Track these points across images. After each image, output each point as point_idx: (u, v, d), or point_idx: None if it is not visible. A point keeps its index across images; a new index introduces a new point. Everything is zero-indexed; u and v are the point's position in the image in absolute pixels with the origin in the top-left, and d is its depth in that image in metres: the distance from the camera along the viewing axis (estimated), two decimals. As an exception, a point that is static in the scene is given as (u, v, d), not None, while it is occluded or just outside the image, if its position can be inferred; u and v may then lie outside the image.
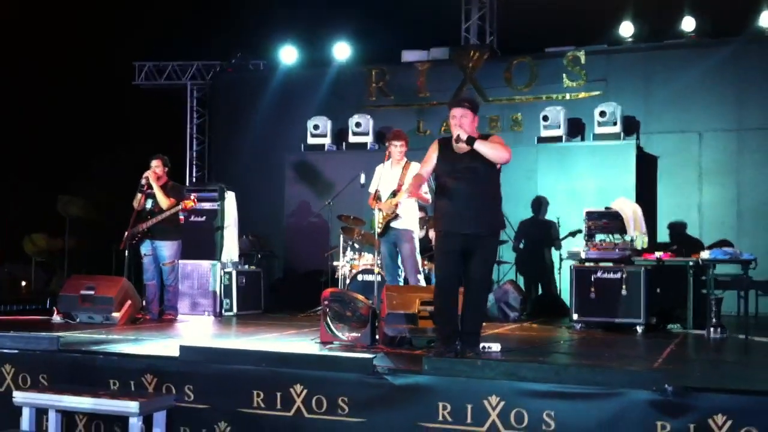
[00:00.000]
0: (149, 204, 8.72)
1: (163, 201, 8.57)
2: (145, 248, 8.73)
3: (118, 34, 15.56)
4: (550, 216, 10.68)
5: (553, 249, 10.65)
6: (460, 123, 5.68)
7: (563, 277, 9.92)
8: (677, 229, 10.74)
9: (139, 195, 8.66)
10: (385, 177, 7.76)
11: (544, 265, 10.70)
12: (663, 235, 10.69)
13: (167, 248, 8.73)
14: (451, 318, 5.73)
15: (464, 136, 5.60)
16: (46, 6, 15.28)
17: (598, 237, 8.57)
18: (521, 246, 10.76)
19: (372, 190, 7.84)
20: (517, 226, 10.66)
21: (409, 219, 7.68)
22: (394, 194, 7.68)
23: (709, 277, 8.01)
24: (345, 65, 13.09)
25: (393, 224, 7.66)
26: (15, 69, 15.20)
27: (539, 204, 10.73)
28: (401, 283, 7.71)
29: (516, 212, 10.41)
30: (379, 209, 7.63)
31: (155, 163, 8.77)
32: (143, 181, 8.64)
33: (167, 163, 8.91)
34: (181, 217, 8.80)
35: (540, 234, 10.67)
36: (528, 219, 10.76)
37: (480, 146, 5.60)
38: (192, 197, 8.75)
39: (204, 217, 9.73)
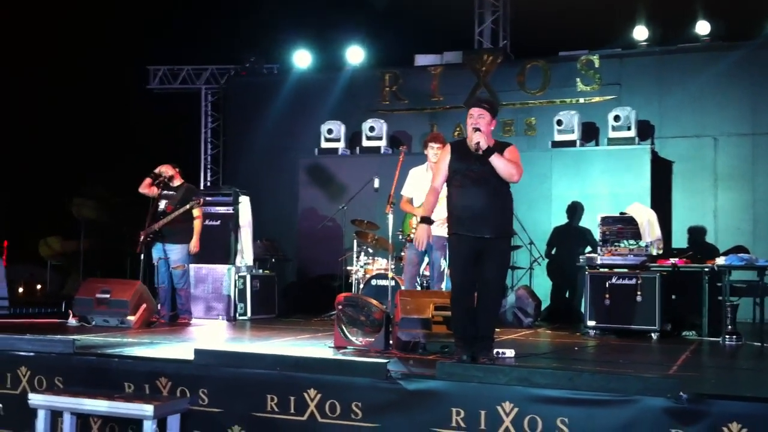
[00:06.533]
0: (162, 205, 8.74)
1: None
2: (157, 252, 8.72)
3: (132, 38, 15.68)
4: (581, 222, 10.48)
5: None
6: (477, 122, 5.63)
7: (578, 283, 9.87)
8: (696, 234, 10.63)
9: (149, 180, 8.65)
10: (422, 181, 7.41)
11: (575, 272, 10.22)
12: (677, 241, 10.63)
13: (176, 251, 8.71)
14: (469, 323, 5.67)
15: (483, 145, 5.54)
16: (60, 10, 15.42)
17: (614, 242, 8.52)
18: (553, 252, 10.59)
19: (406, 193, 7.59)
20: (551, 231, 10.58)
21: (443, 225, 7.12)
22: None
23: (725, 283, 7.94)
24: (358, 69, 13.10)
25: None
26: (29, 74, 15.35)
27: (574, 210, 10.53)
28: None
29: (529, 217, 10.30)
30: (414, 214, 7.55)
31: (163, 169, 8.81)
32: (156, 170, 8.70)
33: (176, 167, 8.94)
34: (198, 214, 8.80)
35: (573, 240, 10.40)
36: (562, 225, 10.61)
37: (495, 160, 5.56)
38: (200, 200, 8.77)
39: (218, 221, 9.76)
